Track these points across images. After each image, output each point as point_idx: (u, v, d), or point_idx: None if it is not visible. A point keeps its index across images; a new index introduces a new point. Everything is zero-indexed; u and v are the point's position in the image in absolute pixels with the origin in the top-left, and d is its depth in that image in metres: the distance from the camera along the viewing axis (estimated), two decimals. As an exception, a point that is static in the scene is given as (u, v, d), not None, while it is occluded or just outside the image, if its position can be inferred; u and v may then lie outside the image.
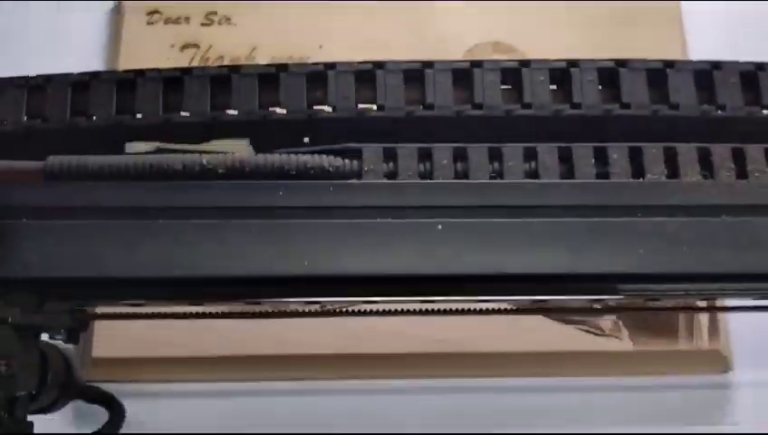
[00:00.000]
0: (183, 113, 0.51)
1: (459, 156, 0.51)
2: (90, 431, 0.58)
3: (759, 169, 0.50)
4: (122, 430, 0.59)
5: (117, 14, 0.83)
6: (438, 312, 0.55)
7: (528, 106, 0.51)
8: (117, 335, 0.70)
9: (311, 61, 0.56)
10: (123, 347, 0.70)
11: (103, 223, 0.48)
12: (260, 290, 0.50)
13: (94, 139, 0.51)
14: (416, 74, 0.52)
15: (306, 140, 0.52)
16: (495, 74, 0.52)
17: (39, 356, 0.51)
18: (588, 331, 0.72)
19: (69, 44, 0.83)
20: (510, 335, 0.71)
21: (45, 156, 0.50)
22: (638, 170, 0.51)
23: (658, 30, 0.81)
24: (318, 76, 0.52)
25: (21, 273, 0.47)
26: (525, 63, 0.52)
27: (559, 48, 0.68)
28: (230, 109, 0.51)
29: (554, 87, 0.52)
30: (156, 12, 0.82)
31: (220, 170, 0.50)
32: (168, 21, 0.82)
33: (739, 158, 0.51)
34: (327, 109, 0.52)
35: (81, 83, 0.52)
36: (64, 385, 0.54)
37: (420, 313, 0.55)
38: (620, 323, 0.72)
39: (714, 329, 0.71)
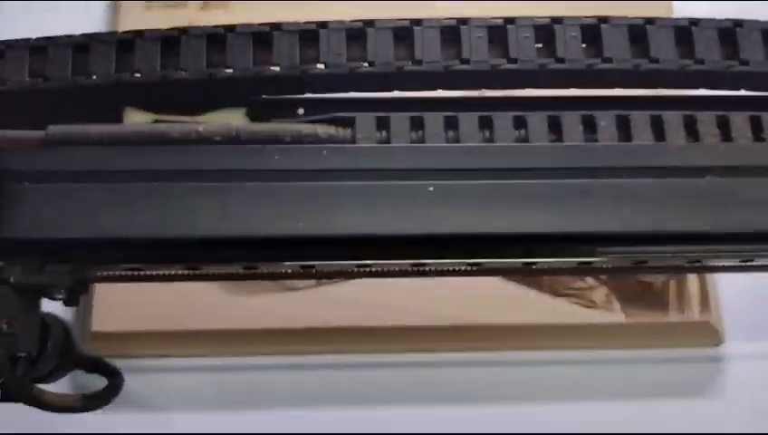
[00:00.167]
0: (181, 72, 0.52)
1: (451, 124, 0.52)
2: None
3: (744, 135, 0.52)
4: (121, 405, 0.60)
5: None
6: (424, 273, 0.56)
7: (514, 61, 0.52)
8: (116, 310, 0.71)
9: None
10: (122, 321, 0.71)
11: (102, 186, 0.49)
12: (255, 252, 0.51)
13: (94, 97, 0.52)
14: (405, 32, 0.53)
15: (301, 111, 0.54)
16: (482, 31, 0.53)
17: (40, 320, 0.52)
18: (580, 303, 0.72)
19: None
20: (502, 309, 0.71)
21: (47, 116, 0.51)
22: (625, 138, 0.52)
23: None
24: (310, 34, 0.53)
25: (22, 233, 0.48)
26: (510, 20, 0.53)
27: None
28: (226, 67, 0.52)
29: (540, 46, 0.53)
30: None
31: (216, 138, 0.51)
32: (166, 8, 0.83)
33: (724, 124, 0.52)
34: (319, 66, 0.53)
35: (82, 44, 0.53)
36: (63, 353, 0.55)
37: (407, 273, 0.56)
38: (612, 295, 0.72)
39: (705, 302, 0.72)
